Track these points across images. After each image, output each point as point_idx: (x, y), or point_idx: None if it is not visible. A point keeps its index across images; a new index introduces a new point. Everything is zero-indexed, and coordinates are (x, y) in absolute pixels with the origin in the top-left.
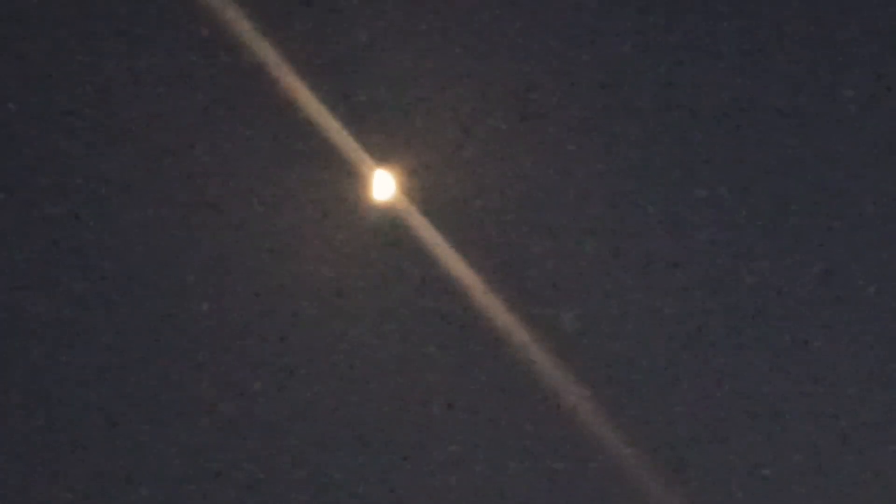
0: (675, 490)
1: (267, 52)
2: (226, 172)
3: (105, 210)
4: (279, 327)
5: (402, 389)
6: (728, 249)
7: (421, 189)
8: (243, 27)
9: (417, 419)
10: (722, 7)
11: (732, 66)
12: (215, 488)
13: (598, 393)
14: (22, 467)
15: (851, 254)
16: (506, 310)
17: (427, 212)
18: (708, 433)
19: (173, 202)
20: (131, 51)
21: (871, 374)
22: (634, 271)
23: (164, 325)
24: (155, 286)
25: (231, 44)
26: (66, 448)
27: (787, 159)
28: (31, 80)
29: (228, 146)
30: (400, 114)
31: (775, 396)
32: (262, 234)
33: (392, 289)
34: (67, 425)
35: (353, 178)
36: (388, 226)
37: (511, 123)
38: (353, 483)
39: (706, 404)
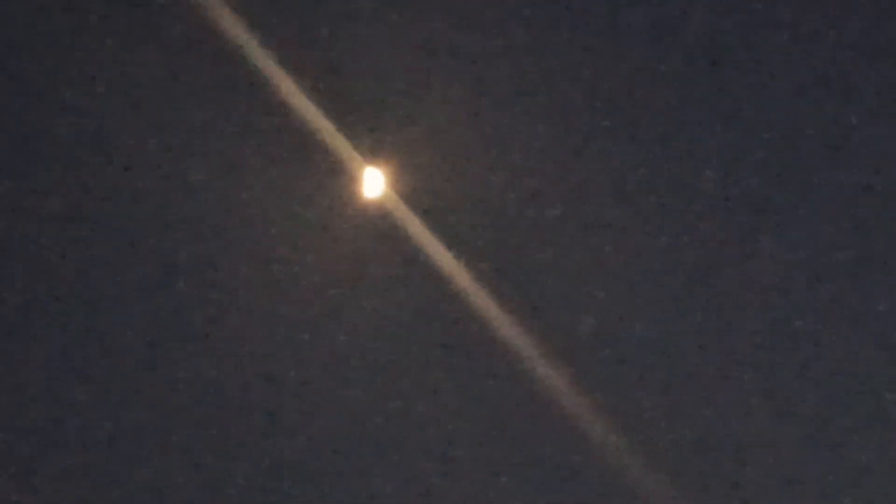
0: (681, 492)
1: (260, 53)
2: (218, 173)
3: (93, 210)
4: (271, 328)
5: (401, 390)
6: (745, 250)
7: (423, 189)
8: (235, 28)
9: (417, 420)
10: None
11: None
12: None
13: (607, 394)
14: None
15: None
16: (513, 312)
17: (428, 211)
18: (720, 435)
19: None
20: (121, 51)
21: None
22: (641, 270)
23: (156, 326)
24: (149, 289)
25: (223, 46)
26: None
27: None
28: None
29: (220, 147)
30: (402, 113)
31: (796, 398)
32: (258, 235)
33: (393, 289)
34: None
35: (354, 178)
36: (390, 226)
37: (516, 121)
38: (352, 482)
39: (714, 405)
